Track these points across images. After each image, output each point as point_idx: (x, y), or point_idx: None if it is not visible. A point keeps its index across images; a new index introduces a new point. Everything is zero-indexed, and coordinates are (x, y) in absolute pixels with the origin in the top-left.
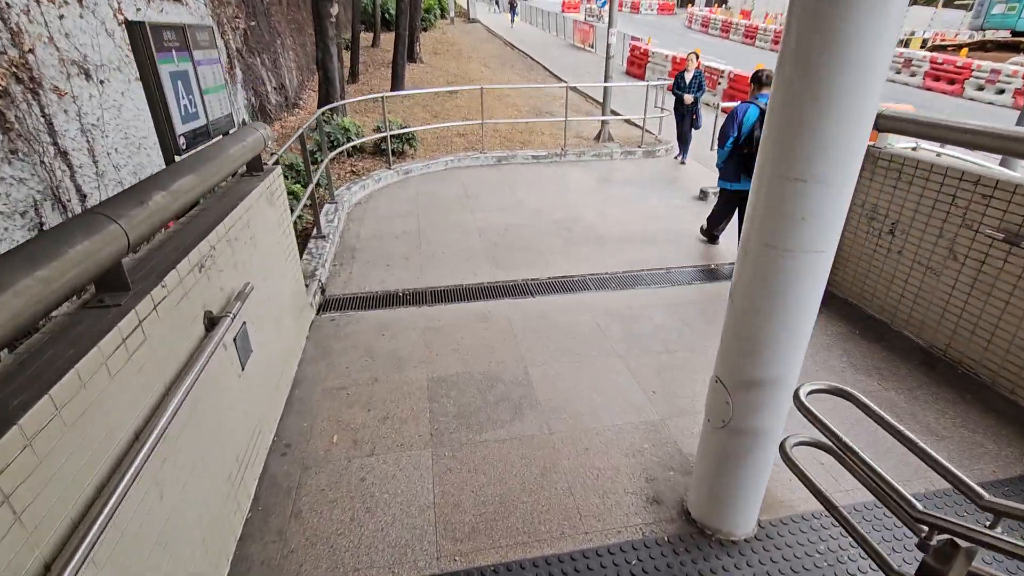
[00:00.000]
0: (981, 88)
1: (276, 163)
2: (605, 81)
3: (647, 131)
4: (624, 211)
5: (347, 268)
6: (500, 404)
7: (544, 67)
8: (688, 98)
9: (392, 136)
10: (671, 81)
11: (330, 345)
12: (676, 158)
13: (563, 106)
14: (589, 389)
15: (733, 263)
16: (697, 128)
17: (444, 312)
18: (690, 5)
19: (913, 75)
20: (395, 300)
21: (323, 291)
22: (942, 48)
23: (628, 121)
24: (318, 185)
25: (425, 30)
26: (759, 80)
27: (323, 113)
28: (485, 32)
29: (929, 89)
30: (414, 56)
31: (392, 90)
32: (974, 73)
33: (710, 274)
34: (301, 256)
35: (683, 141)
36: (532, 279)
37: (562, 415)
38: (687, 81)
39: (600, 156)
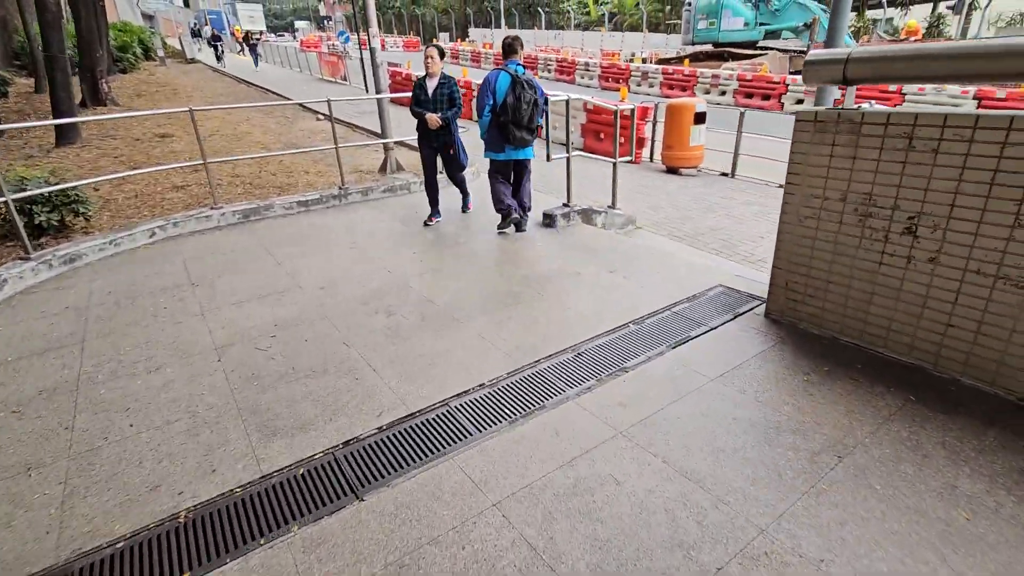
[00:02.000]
0: (708, 92)
1: None
2: (377, 94)
3: None
4: (462, 261)
5: None
6: None
7: (299, 103)
8: (433, 119)
9: (33, 203)
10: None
11: None
12: (427, 222)
13: (327, 140)
14: None
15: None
16: (462, 167)
17: None
18: (434, 39)
19: (652, 86)
20: None
21: None
22: (667, 61)
23: (414, 148)
24: None
25: (124, 71)
26: (509, 48)
27: None
28: (210, 72)
29: (666, 96)
30: (100, 98)
31: (58, 143)
32: (699, 80)
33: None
34: None
35: (432, 191)
36: (345, 443)
37: None
38: (430, 92)
39: (394, 190)
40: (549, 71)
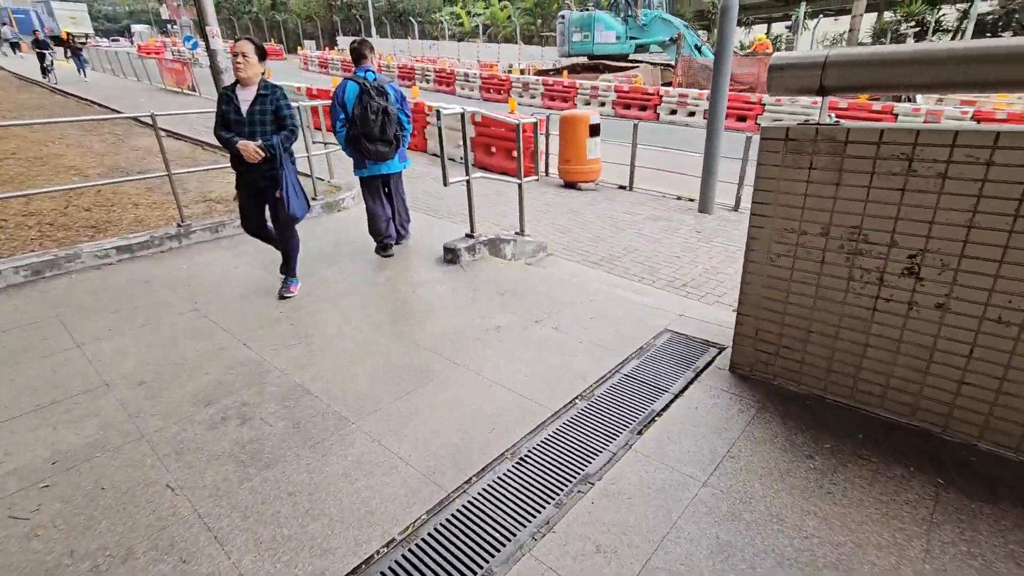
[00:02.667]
0: (588, 103)
1: None
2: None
3: (316, 177)
4: (346, 319)
5: None
6: None
7: (131, 118)
8: (250, 149)
9: None
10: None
11: None
12: (282, 294)
13: (174, 160)
14: None
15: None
16: (293, 219)
17: None
18: (300, 48)
19: (533, 97)
20: None
21: None
22: (546, 73)
23: None
24: None
25: None
26: (357, 54)
27: None
28: (15, 79)
29: (548, 107)
30: None
31: None
32: (579, 91)
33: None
34: None
35: (273, 243)
36: None
37: None
38: (243, 108)
39: None
40: (428, 81)
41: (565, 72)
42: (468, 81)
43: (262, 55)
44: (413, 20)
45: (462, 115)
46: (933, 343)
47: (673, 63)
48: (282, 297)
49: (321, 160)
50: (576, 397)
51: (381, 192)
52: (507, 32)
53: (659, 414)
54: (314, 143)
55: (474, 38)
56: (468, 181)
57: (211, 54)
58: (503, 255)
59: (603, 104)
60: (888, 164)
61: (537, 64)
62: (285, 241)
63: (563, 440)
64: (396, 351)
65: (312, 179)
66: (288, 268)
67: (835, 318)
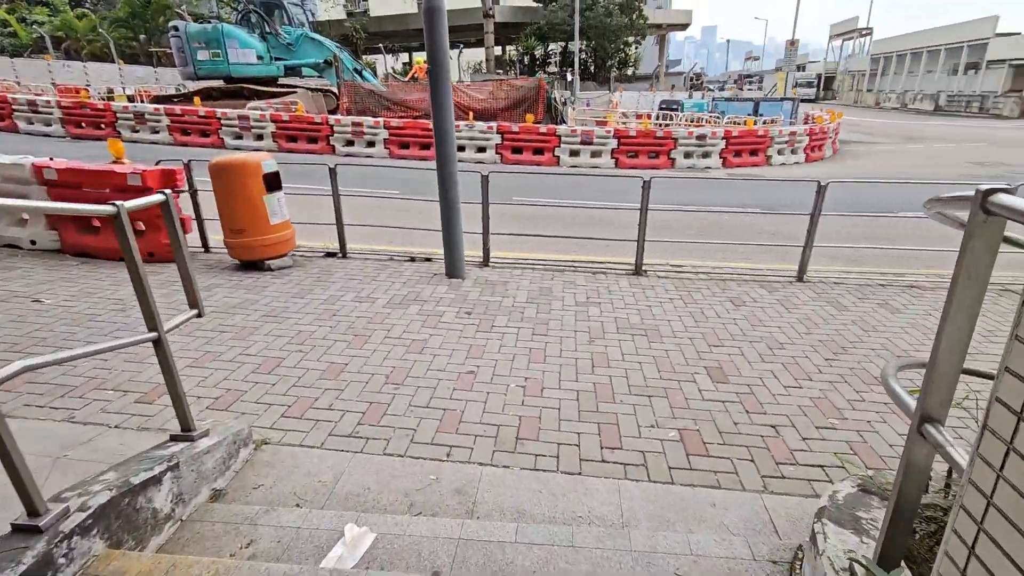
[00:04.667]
0: (240, 136)
1: None
2: None
3: None
4: None
5: None
6: None
7: None
8: None
9: None
10: None
11: None
12: None
13: None
14: None
15: None
16: None
17: None
18: None
19: (156, 131)
20: None
21: None
22: (168, 99)
23: None
24: None
25: None
26: None
27: None
28: None
29: (182, 144)
30: None
31: None
32: (223, 122)
33: None
34: None
35: None
36: None
37: None
38: None
39: None
40: None
41: (197, 99)
42: (38, 112)
43: None
44: None
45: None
46: None
47: (334, 88)
48: None
49: None
50: None
51: None
52: (96, 48)
53: None
54: None
55: (44, 55)
56: None
57: None
58: (135, 527)
59: (260, 138)
60: None
61: (153, 90)
62: None
63: None
64: None
65: None
66: None
67: None
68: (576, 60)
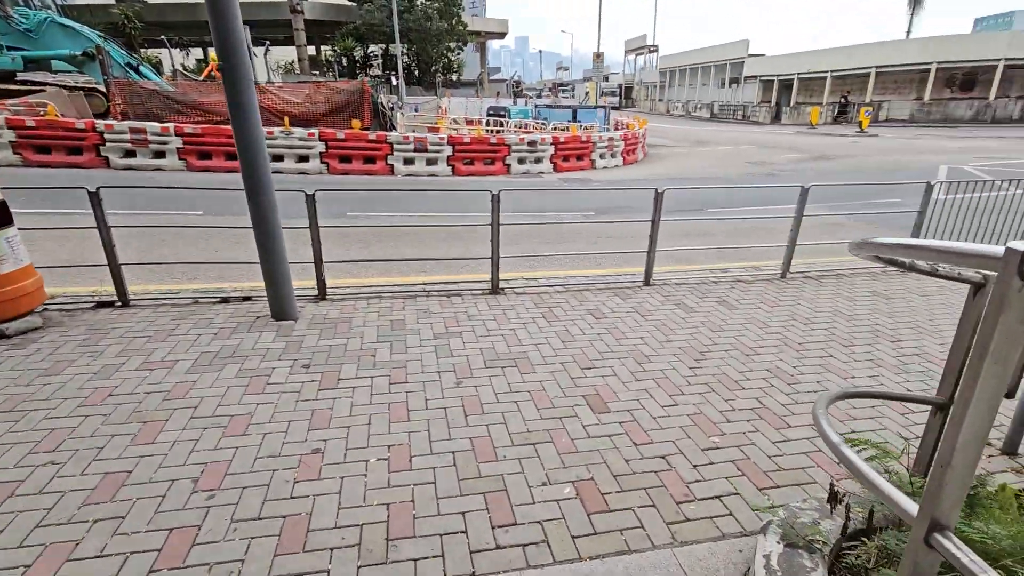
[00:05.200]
0: None
1: None
2: None
3: None
4: None
5: None
6: None
7: None
8: None
9: None
10: None
11: None
12: None
13: None
14: None
15: None
16: None
17: None
18: None
19: None
20: None
21: None
22: None
23: None
24: None
25: None
26: None
27: None
28: None
29: None
30: None
31: None
32: None
33: None
34: None
35: None
36: None
37: None
38: None
39: None
40: None
41: None
42: None
43: None
44: None
45: None
46: None
47: (102, 87)
48: None
49: None
50: None
51: None
52: None
53: None
54: None
55: None
56: None
57: None
58: None
59: None
60: None
61: None
62: None
63: None
64: None
65: None
66: None
67: None
68: (399, 63)
